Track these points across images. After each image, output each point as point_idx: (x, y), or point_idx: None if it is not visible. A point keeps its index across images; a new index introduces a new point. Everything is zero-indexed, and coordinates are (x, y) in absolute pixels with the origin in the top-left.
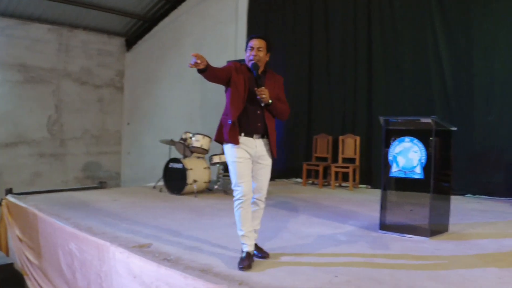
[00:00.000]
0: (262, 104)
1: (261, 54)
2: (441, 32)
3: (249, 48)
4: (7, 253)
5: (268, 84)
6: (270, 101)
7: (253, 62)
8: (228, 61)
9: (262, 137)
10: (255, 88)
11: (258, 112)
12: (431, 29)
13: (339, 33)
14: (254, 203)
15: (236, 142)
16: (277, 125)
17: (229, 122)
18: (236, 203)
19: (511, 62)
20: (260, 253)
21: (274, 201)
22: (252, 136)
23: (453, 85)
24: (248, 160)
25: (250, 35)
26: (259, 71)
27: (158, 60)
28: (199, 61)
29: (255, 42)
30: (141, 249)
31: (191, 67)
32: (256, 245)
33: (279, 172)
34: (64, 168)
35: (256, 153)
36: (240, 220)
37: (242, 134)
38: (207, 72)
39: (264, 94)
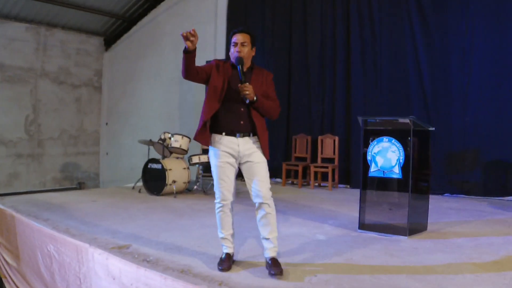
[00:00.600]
0: (247, 102)
1: (246, 49)
2: (419, 33)
3: (232, 44)
4: None
5: (254, 80)
6: (255, 98)
7: (237, 56)
8: (207, 61)
9: (248, 135)
10: (239, 85)
11: (242, 109)
12: (409, 30)
13: (318, 34)
14: (259, 208)
15: (204, 143)
16: None
17: (201, 122)
18: (216, 206)
19: (487, 64)
20: (273, 270)
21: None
22: (234, 135)
23: (431, 86)
24: (229, 164)
25: (233, 30)
26: (246, 67)
27: (136, 59)
28: (192, 38)
29: (238, 37)
30: (120, 250)
31: (182, 34)
32: (274, 259)
33: None
34: (41, 169)
35: (241, 152)
36: (219, 223)
37: (223, 133)
38: (190, 58)
39: (247, 90)
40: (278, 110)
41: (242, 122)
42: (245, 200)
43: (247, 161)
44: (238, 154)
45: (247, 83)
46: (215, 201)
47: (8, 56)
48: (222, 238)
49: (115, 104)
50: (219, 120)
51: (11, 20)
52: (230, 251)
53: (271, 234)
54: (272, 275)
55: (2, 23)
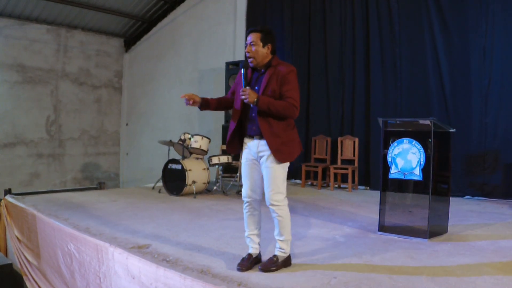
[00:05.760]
0: (251, 106)
1: (256, 48)
2: (439, 33)
3: (246, 45)
4: (6, 254)
5: (265, 81)
6: (256, 100)
7: (243, 61)
8: (227, 62)
9: (261, 138)
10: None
11: (253, 114)
12: (429, 30)
13: (337, 34)
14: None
15: (232, 151)
16: None
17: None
18: (243, 204)
19: (508, 64)
20: (261, 264)
21: None
22: (253, 138)
23: (451, 87)
24: (249, 162)
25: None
26: (260, 66)
27: (156, 60)
28: (190, 102)
29: (249, 38)
30: (140, 250)
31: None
32: (271, 257)
33: None
34: (62, 168)
35: (257, 154)
36: (244, 221)
37: (247, 136)
38: (211, 105)
39: (243, 95)
40: (291, 109)
41: (254, 127)
42: None
43: (261, 164)
44: (257, 155)
45: (246, 87)
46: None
47: (29, 57)
48: (246, 236)
49: (135, 105)
50: (243, 124)
51: (32, 22)
52: (252, 251)
53: (278, 236)
54: (259, 268)
55: (23, 25)
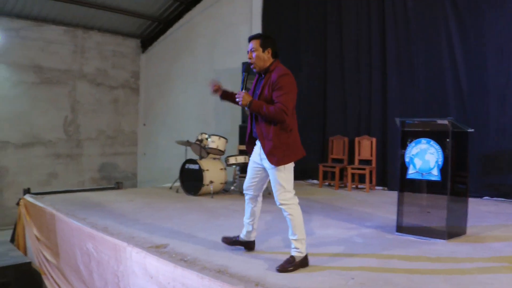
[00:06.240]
0: (246, 109)
1: (257, 53)
2: (455, 32)
3: (248, 52)
4: (25, 252)
5: (261, 86)
6: (248, 103)
7: (246, 65)
8: (243, 63)
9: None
10: None
11: (253, 118)
12: (445, 29)
13: (353, 33)
14: None
15: (246, 145)
16: None
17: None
18: None
19: None
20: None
21: None
22: (257, 140)
23: (467, 86)
24: (252, 162)
25: None
26: (261, 70)
27: (172, 61)
28: (215, 88)
29: (249, 45)
30: (158, 250)
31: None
32: (288, 258)
33: (295, 174)
34: (80, 168)
35: (259, 155)
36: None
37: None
38: (229, 98)
39: (237, 98)
40: (280, 113)
41: (254, 130)
42: None
43: (265, 165)
44: (260, 157)
45: (240, 91)
46: None
47: (46, 58)
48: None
49: (152, 105)
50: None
51: (49, 23)
52: (241, 235)
53: (291, 236)
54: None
55: (40, 26)
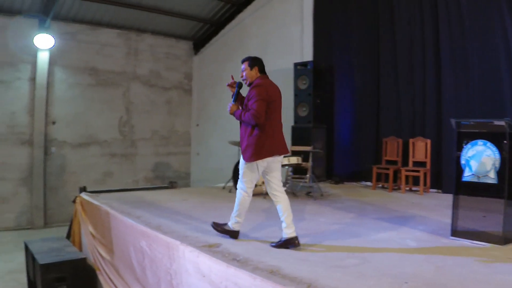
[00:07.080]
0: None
1: (246, 72)
2: (511, 28)
3: (241, 72)
4: (80, 249)
5: (247, 96)
6: (232, 113)
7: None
8: (295, 63)
9: None
10: None
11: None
12: (501, 27)
13: (406, 32)
14: None
15: None
16: (344, 128)
17: None
18: None
19: None
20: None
21: (342, 204)
22: None
23: None
24: None
25: None
26: (249, 84)
27: (224, 62)
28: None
29: (242, 67)
30: (210, 249)
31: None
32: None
33: (347, 175)
34: (134, 168)
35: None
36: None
37: None
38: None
39: (228, 108)
40: (252, 117)
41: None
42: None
43: None
44: None
45: (232, 102)
46: None
47: (101, 61)
48: None
49: (205, 106)
50: None
51: (103, 27)
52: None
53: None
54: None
55: (95, 30)
